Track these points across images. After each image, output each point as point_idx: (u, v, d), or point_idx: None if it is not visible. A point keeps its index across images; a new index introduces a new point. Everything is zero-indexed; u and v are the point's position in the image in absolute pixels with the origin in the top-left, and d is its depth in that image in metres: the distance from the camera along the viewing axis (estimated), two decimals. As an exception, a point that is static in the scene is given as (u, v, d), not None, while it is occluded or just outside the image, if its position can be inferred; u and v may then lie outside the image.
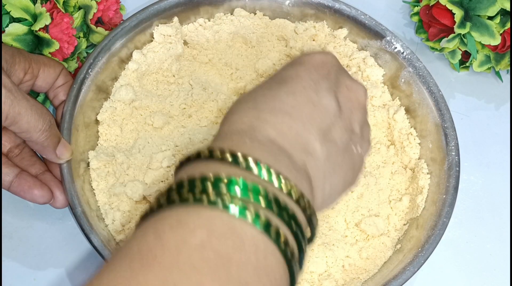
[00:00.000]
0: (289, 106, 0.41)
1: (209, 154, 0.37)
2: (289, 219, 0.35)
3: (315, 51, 0.46)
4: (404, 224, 0.60)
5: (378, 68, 0.65)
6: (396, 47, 0.64)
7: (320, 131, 0.41)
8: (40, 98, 0.62)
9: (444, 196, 0.57)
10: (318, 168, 0.41)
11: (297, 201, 0.36)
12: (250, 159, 0.36)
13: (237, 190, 0.34)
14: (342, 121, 0.43)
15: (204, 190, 0.34)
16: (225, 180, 0.34)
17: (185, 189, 0.34)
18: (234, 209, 0.33)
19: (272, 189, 0.35)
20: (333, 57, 0.46)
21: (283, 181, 0.36)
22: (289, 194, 0.36)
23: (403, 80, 0.64)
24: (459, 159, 0.59)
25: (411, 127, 0.63)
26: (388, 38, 0.64)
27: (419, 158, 0.62)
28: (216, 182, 0.34)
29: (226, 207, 0.33)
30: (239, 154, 0.36)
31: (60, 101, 0.59)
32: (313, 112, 0.41)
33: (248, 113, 0.41)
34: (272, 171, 0.36)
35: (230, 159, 0.36)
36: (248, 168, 0.36)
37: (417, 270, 0.54)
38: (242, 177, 0.34)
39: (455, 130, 0.60)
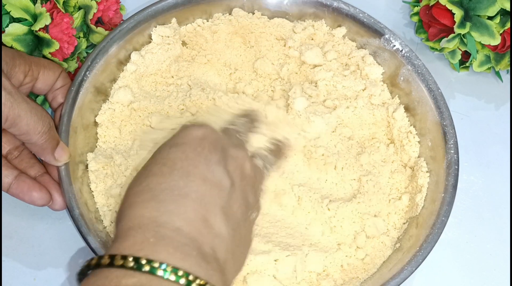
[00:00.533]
0: (188, 189, 0.40)
1: (109, 262, 0.36)
2: None
3: (193, 127, 0.46)
4: (404, 223, 0.59)
5: (377, 66, 0.65)
6: (395, 45, 0.64)
7: (222, 210, 0.41)
8: (39, 99, 0.62)
9: (443, 195, 0.57)
10: (227, 250, 0.41)
11: None
12: (155, 264, 0.35)
13: None
14: (237, 191, 0.44)
15: None
16: None
17: None
18: None
19: None
20: (211, 129, 0.46)
21: (191, 280, 0.36)
22: None
23: (402, 78, 0.64)
24: (458, 157, 0.59)
25: (411, 125, 0.63)
26: (386, 36, 0.64)
27: (418, 156, 0.62)
28: None
29: None
30: (143, 260, 0.35)
31: (58, 103, 0.59)
32: (211, 191, 0.41)
33: (148, 205, 0.40)
34: (179, 272, 0.36)
35: (132, 264, 0.35)
36: (153, 272, 0.35)
37: (416, 269, 0.54)
38: None
39: (454, 128, 0.60)
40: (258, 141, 0.53)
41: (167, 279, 0.35)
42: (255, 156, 0.52)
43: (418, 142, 0.62)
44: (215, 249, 0.40)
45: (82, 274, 0.38)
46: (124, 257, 0.35)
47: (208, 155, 0.43)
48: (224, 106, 0.60)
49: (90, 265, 0.37)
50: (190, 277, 0.36)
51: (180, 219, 0.39)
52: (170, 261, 0.36)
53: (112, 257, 0.36)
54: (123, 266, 0.35)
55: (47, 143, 0.54)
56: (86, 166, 0.59)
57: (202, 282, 0.36)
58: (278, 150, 0.55)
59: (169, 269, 0.35)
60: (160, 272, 0.35)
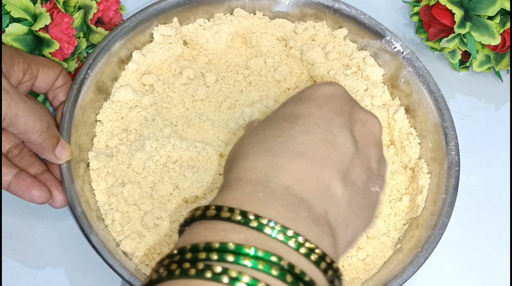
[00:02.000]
0: (305, 147, 0.38)
1: (216, 213, 0.33)
2: None
3: (322, 84, 0.43)
4: (404, 224, 0.60)
5: (378, 68, 0.65)
6: (395, 47, 0.64)
7: (340, 173, 0.38)
8: (40, 97, 0.62)
9: (444, 196, 0.57)
10: (340, 216, 0.37)
11: (317, 263, 0.33)
12: (263, 220, 0.33)
13: (246, 261, 0.31)
14: (360, 159, 0.40)
15: (208, 262, 0.30)
16: (233, 249, 0.31)
17: (188, 260, 0.31)
18: (241, 285, 0.30)
19: (288, 254, 0.32)
20: (342, 88, 0.43)
21: (301, 242, 0.33)
22: (307, 255, 0.33)
23: (403, 79, 0.64)
24: (459, 158, 0.59)
25: (411, 127, 0.63)
26: (388, 37, 0.64)
27: (419, 158, 0.62)
28: (223, 251, 0.31)
29: (233, 282, 0.30)
30: (251, 214, 0.33)
31: (59, 102, 0.59)
32: (330, 152, 0.38)
33: (261, 157, 0.37)
34: (288, 232, 0.33)
35: (240, 218, 0.33)
36: (260, 229, 0.32)
37: (417, 270, 0.54)
38: (253, 245, 0.31)
39: (455, 130, 0.60)
40: None
41: (275, 238, 0.32)
42: None
43: (419, 143, 0.62)
44: (327, 211, 0.36)
45: (185, 225, 0.35)
46: (232, 210, 0.33)
47: (334, 116, 0.40)
48: None
49: (195, 216, 0.34)
50: (300, 239, 0.32)
51: (291, 176, 0.36)
52: (279, 219, 0.33)
53: (219, 209, 0.33)
54: (229, 219, 0.33)
55: (46, 141, 0.53)
56: (88, 165, 0.59)
57: (312, 246, 0.33)
58: None
59: (278, 227, 0.32)
60: (268, 230, 0.32)
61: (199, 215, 0.34)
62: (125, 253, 0.55)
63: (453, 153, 0.59)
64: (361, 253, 0.57)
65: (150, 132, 0.60)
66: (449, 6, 0.66)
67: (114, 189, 0.57)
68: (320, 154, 0.38)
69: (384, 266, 0.57)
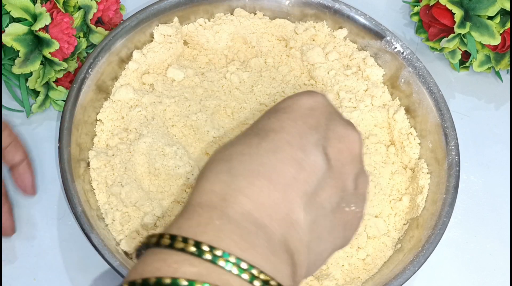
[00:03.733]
0: (269, 168, 0.35)
1: (170, 243, 0.32)
2: None
3: (302, 94, 0.40)
4: (404, 224, 0.60)
5: (378, 68, 0.65)
6: (396, 47, 0.64)
7: (305, 196, 0.36)
8: (40, 98, 0.62)
9: (444, 196, 0.57)
10: (302, 240, 0.36)
11: None
12: (217, 252, 0.32)
13: None
14: (333, 178, 0.38)
15: None
16: (185, 285, 0.30)
17: None
18: None
19: None
20: (323, 99, 0.40)
21: (256, 274, 0.32)
22: None
23: (403, 80, 0.64)
24: (459, 158, 0.59)
25: (411, 127, 0.63)
26: (388, 38, 0.64)
27: (419, 158, 0.62)
28: None
29: None
30: (205, 246, 0.32)
31: (18, 161, 0.57)
32: (298, 174, 0.36)
33: (221, 178, 0.35)
34: (242, 264, 0.32)
35: (194, 250, 0.32)
36: (214, 261, 0.31)
37: (418, 269, 0.54)
38: (205, 281, 0.30)
39: (455, 130, 0.60)
40: None
41: (229, 271, 0.31)
42: None
43: (419, 143, 0.62)
44: (287, 238, 0.35)
45: (140, 251, 0.34)
46: (186, 240, 0.32)
47: (308, 132, 0.37)
48: None
49: (149, 244, 0.33)
50: (254, 271, 0.32)
51: (250, 201, 0.34)
52: (234, 250, 0.32)
53: (173, 238, 0.32)
54: (183, 250, 0.32)
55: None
56: (88, 164, 0.58)
57: (267, 278, 0.32)
58: None
59: (232, 259, 0.31)
60: (221, 263, 0.31)
61: (154, 243, 0.33)
62: (125, 253, 0.55)
63: (453, 153, 0.59)
64: (361, 253, 0.57)
65: (150, 132, 0.60)
66: (449, 6, 0.66)
67: (114, 189, 0.57)
68: (285, 176, 0.36)
69: (384, 266, 0.57)
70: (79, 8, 0.62)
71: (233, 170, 0.35)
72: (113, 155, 0.59)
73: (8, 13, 0.57)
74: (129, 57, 0.63)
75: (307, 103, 0.39)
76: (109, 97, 0.62)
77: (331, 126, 0.39)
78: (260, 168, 0.35)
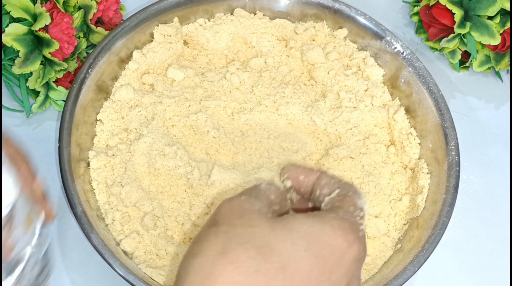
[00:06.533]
0: None
1: None
2: None
3: (327, 230, 0.37)
4: (404, 224, 0.60)
5: (378, 68, 0.65)
6: (396, 47, 0.64)
7: None
8: (40, 98, 0.62)
9: (444, 196, 0.57)
10: None
11: None
12: None
13: None
14: None
15: None
16: None
17: None
18: None
19: None
20: (364, 250, 0.38)
21: None
22: None
23: (403, 80, 0.64)
24: (459, 158, 0.59)
25: (411, 127, 0.63)
26: (388, 38, 0.64)
27: (419, 158, 0.62)
28: None
29: None
30: None
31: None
32: None
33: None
34: None
35: None
36: None
37: (418, 269, 0.54)
38: None
39: (455, 130, 0.60)
40: None
41: None
42: None
43: (419, 143, 0.62)
44: None
45: None
46: None
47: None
48: None
49: None
50: None
51: None
52: None
53: None
54: None
55: None
56: (88, 164, 0.58)
57: None
58: None
59: None
60: None
61: None
62: (125, 252, 0.55)
63: (453, 153, 0.59)
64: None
65: (150, 132, 0.60)
66: (449, 6, 0.66)
67: (114, 189, 0.57)
68: None
69: (384, 266, 0.57)
70: (79, 8, 0.62)
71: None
72: (113, 155, 0.59)
73: (8, 13, 0.57)
74: (129, 57, 0.63)
75: (354, 254, 0.37)
76: (109, 97, 0.62)
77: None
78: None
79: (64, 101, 0.60)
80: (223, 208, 0.38)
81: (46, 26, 0.58)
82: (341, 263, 0.36)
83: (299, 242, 0.35)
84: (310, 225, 0.36)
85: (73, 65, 0.62)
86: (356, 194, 0.41)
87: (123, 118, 0.61)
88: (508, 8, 0.65)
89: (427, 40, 0.70)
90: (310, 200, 0.44)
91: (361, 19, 0.65)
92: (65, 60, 0.61)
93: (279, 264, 0.34)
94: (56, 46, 0.58)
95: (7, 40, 0.57)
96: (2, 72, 0.62)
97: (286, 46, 0.67)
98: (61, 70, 0.61)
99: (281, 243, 0.35)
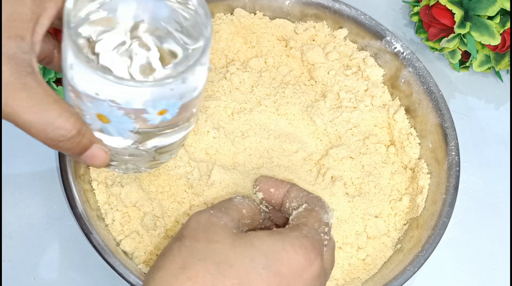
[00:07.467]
0: None
1: None
2: None
3: (287, 248, 0.38)
4: (404, 224, 0.60)
5: (378, 68, 0.65)
6: (396, 47, 0.64)
7: None
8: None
9: (444, 196, 0.57)
10: None
11: None
12: None
13: None
14: None
15: None
16: None
17: None
18: None
19: None
20: (318, 263, 0.40)
21: None
22: None
23: (403, 80, 0.64)
24: (459, 159, 0.59)
25: (411, 127, 0.63)
26: (388, 38, 0.64)
27: (419, 158, 0.62)
28: None
29: None
30: None
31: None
32: None
33: None
34: None
35: None
36: None
37: (417, 270, 0.54)
38: None
39: (455, 130, 0.60)
40: None
41: None
42: None
43: (419, 143, 0.62)
44: None
45: None
46: None
47: None
48: None
49: None
50: None
51: None
52: None
53: None
54: None
55: (71, 150, 0.41)
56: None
57: None
58: None
59: None
60: None
61: None
62: (125, 253, 0.55)
63: (453, 153, 0.59)
64: (361, 253, 0.57)
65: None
66: (449, 6, 0.66)
67: (114, 189, 0.57)
68: None
69: (384, 266, 0.57)
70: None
71: None
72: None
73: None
74: (130, 57, 0.63)
75: (315, 272, 0.39)
76: (109, 97, 0.62)
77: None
78: None
79: (64, 101, 0.59)
80: (191, 221, 0.40)
81: (46, 26, 0.58)
82: (301, 280, 0.38)
83: (258, 259, 0.37)
84: (272, 243, 0.38)
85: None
86: (323, 208, 0.43)
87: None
88: (508, 8, 0.65)
89: (427, 40, 0.70)
90: (280, 211, 0.45)
91: (361, 19, 0.65)
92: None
93: (236, 280, 0.36)
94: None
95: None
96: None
97: (286, 46, 0.67)
98: (61, 70, 0.61)
99: (241, 259, 0.37)
